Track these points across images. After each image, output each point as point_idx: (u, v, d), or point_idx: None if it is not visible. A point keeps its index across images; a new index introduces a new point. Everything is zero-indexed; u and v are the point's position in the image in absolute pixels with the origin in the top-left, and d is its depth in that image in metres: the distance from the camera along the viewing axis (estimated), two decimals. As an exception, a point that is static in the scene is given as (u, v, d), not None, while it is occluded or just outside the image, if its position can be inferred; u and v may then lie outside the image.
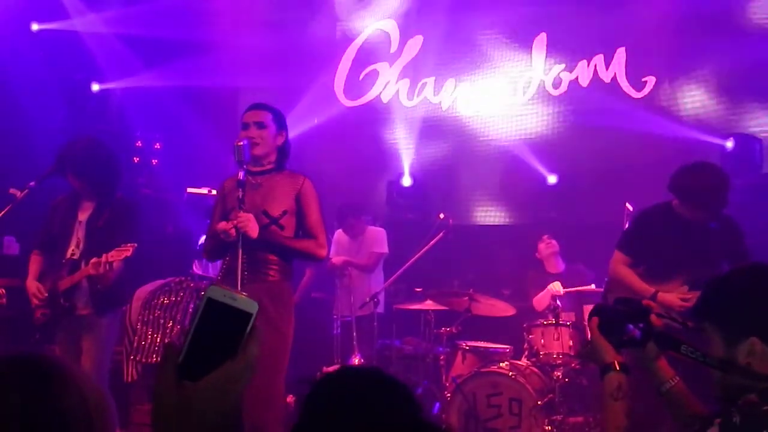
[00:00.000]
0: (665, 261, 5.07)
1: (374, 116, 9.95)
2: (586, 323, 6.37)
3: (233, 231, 4.33)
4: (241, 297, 1.14)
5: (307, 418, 1.84)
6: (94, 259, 4.93)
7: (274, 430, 4.34)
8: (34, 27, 8.81)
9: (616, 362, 2.32)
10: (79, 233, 5.21)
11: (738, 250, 4.98)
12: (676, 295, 4.96)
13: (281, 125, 4.66)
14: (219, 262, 4.78)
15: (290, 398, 7.08)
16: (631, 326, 2.37)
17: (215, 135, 8.39)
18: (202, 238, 6.30)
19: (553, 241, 7.40)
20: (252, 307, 1.14)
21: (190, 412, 1.12)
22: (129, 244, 4.92)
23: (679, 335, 2.33)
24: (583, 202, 8.61)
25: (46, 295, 5.13)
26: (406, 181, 9.33)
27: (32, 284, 5.23)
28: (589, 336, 2.41)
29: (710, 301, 2.26)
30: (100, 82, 9.11)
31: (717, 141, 7.97)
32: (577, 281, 7.07)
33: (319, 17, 10.28)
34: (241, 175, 4.38)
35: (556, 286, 7.03)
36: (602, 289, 5.84)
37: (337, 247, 7.96)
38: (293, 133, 5.15)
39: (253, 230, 4.32)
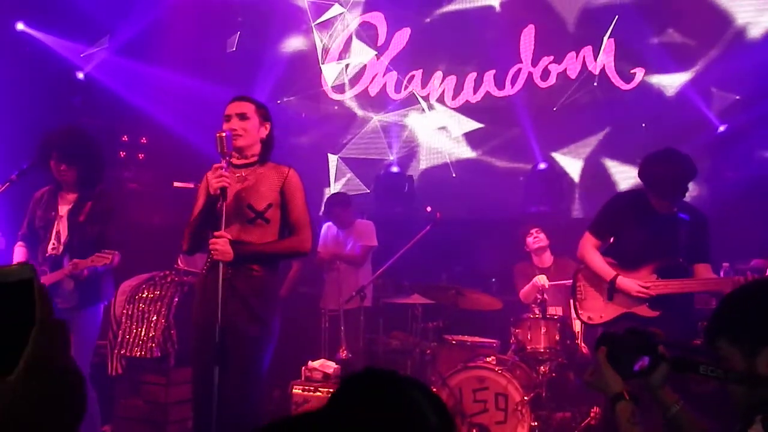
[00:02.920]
0: (634, 249, 5.10)
1: (361, 109, 9.94)
2: (573, 317, 6.40)
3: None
4: (12, 270, 1.07)
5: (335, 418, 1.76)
6: (74, 261, 4.95)
7: (253, 420, 4.29)
8: (20, 26, 8.76)
9: (624, 392, 2.38)
10: (59, 227, 5.19)
11: (700, 245, 5.02)
12: (635, 281, 4.98)
13: (264, 117, 4.57)
14: (204, 257, 4.68)
15: (277, 393, 7.05)
16: (640, 358, 2.42)
17: (201, 129, 8.34)
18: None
19: (542, 235, 7.24)
20: (26, 272, 1.07)
21: (15, 405, 1.03)
22: (110, 252, 4.90)
23: (695, 356, 2.34)
24: (571, 195, 8.61)
25: None
26: (394, 169, 9.34)
27: None
28: (598, 365, 2.45)
29: (724, 317, 2.29)
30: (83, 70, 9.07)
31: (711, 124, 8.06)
32: (565, 275, 7.00)
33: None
34: (223, 165, 4.33)
35: (542, 279, 6.95)
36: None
37: (326, 240, 7.92)
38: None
39: (227, 257, 4.25)
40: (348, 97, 10.00)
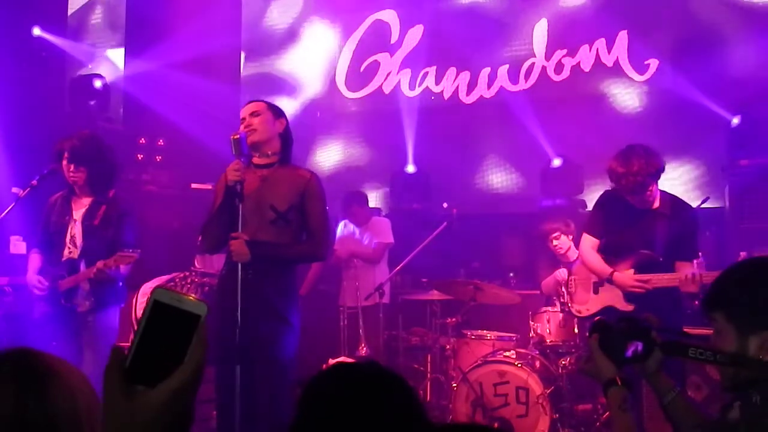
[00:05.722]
0: (617, 245, 5.20)
1: (376, 107, 9.95)
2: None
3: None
4: (189, 299, 1.08)
5: (304, 417, 1.82)
6: (98, 264, 4.97)
7: (283, 419, 4.30)
8: (36, 32, 8.81)
9: (617, 378, 2.36)
10: (74, 231, 5.22)
11: (681, 241, 5.03)
12: (631, 277, 5.05)
13: (278, 113, 4.57)
14: (221, 258, 4.70)
15: (298, 392, 7.07)
16: (632, 344, 2.40)
17: (218, 130, 8.38)
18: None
19: (563, 238, 6.88)
20: (200, 309, 1.08)
21: (135, 423, 1.06)
22: (132, 251, 4.93)
23: (685, 340, 2.33)
24: (589, 188, 8.58)
25: (47, 284, 5.16)
26: (410, 169, 9.31)
27: (32, 277, 5.26)
28: (591, 353, 2.43)
29: (727, 291, 2.25)
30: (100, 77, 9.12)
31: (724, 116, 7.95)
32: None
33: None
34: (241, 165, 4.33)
35: (562, 273, 6.89)
36: None
37: (342, 237, 7.94)
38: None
39: (244, 257, 4.27)
40: (361, 96, 10.01)
